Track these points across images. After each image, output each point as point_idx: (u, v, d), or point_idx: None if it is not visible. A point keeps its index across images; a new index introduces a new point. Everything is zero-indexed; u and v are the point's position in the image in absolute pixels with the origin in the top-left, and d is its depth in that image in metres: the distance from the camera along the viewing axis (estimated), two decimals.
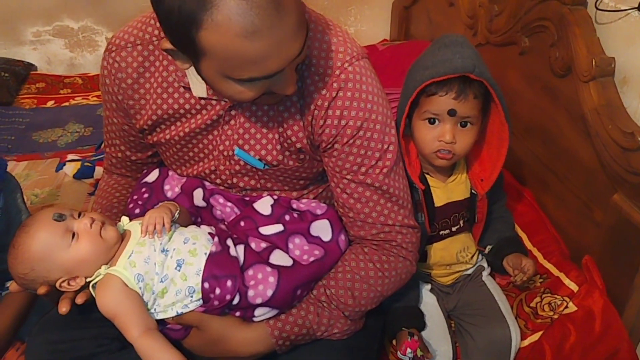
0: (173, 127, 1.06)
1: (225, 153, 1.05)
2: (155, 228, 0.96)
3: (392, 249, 1.04)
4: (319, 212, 1.07)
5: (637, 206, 1.18)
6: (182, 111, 1.03)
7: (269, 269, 0.97)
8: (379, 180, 1.00)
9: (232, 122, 1.02)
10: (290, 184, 1.09)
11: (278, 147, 1.02)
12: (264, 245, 1.01)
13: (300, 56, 0.83)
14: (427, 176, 1.22)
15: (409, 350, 1.11)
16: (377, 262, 1.03)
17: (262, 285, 0.96)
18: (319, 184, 1.12)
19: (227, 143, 1.04)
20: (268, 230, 1.03)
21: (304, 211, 1.07)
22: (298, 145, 1.01)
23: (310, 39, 0.94)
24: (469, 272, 1.31)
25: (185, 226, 1.03)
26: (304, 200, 1.10)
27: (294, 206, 1.08)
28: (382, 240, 1.03)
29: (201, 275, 0.95)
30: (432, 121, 1.13)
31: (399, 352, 1.13)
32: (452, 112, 1.10)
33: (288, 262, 0.99)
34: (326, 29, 0.97)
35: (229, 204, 1.10)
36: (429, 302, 1.25)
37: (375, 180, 1.00)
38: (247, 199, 1.10)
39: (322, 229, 1.05)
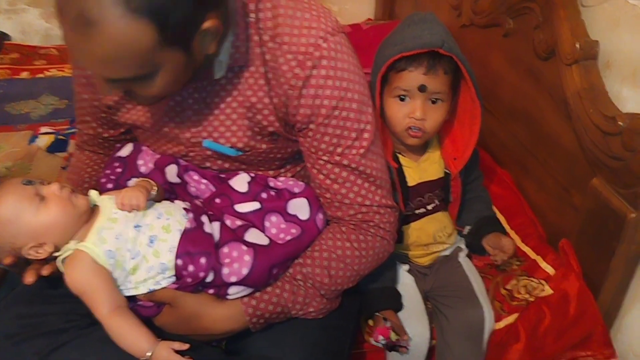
0: (139, 108, 1.03)
1: (193, 140, 1.02)
2: (131, 208, 0.93)
3: (370, 228, 1.03)
4: (296, 190, 1.05)
5: (615, 191, 1.18)
6: None
7: (244, 247, 0.95)
8: (355, 161, 0.98)
9: (196, 106, 0.99)
10: (266, 165, 1.06)
11: (249, 133, 0.99)
12: (239, 222, 0.99)
13: (123, 84, 0.84)
14: (399, 155, 1.21)
15: (380, 337, 1.11)
16: (355, 241, 1.01)
17: (237, 263, 0.94)
18: (296, 162, 1.09)
19: (193, 130, 1.01)
20: (244, 207, 1.01)
21: (281, 189, 1.05)
22: (270, 129, 0.98)
23: (281, 16, 0.91)
24: (446, 252, 1.31)
25: (159, 202, 1.00)
26: (281, 178, 1.08)
27: (271, 184, 1.06)
28: (360, 220, 1.02)
29: (174, 252, 0.92)
30: (402, 98, 1.12)
31: (371, 339, 1.12)
32: (422, 88, 1.09)
33: (264, 240, 0.97)
34: (298, 5, 0.93)
35: (204, 180, 1.07)
36: (406, 283, 1.24)
37: (352, 161, 0.98)
38: (223, 175, 1.07)
39: (299, 208, 1.03)
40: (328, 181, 1.00)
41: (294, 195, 1.04)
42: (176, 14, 0.76)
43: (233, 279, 0.94)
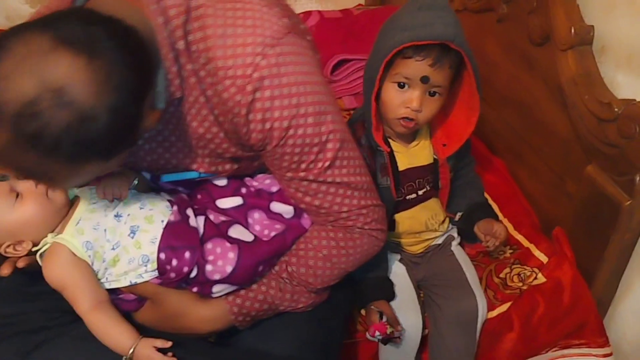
0: None
1: (150, 168, 0.96)
2: (112, 197, 0.90)
3: (356, 229, 0.98)
4: (274, 189, 1.01)
5: (610, 178, 1.16)
6: None
7: (228, 244, 0.91)
8: (322, 174, 0.91)
9: (147, 147, 0.93)
10: (237, 176, 1.02)
11: (207, 159, 0.94)
12: (222, 218, 0.96)
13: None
14: (389, 140, 1.18)
15: (377, 333, 1.09)
16: (341, 240, 0.97)
17: (221, 260, 0.90)
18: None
19: (148, 159, 0.94)
20: (226, 203, 0.97)
21: (258, 189, 1.01)
22: (227, 155, 0.93)
23: (211, 38, 0.81)
24: (438, 241, 1.29)
25: (143, 192, 0.97)
26: (259, 176, 1.03)
27: (247, 183, 1.02)
28: (342, 226, 0.97)
29: (157, 243, 0.89)
30: (401, 85, 1.09)
31: (367, 334, 1.11)
32: (424, 79, 1.06)
33: (249, 237, 0.94)
34: (229, 19, 0.81)
35: (180, 186, 1.03)
36: (398, 273, 1.23)
37: (318, 175, 0.90)
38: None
39: (283, 210, 0.99)
40: (299, 194, 0.94)
41: (273, 196, 1.00)
42: (120, 147, 0.75)
43: (217, 277, 0.90)
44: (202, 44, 0.81)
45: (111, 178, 0.92)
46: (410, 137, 1.21)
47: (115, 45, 0.69)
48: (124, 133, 0.73)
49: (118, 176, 0.93)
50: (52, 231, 0.89)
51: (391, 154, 1.16)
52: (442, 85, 1.08)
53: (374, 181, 1.10)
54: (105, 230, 0.89)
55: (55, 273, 0.87)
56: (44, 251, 0.89)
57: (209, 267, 0.90)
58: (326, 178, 0.91)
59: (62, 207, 0.90)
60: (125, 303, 0.94)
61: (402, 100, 1.09)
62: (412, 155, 1.20)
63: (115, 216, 0.90)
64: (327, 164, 0.90)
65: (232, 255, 0.91)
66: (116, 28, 0.71)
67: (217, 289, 0.93)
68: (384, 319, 1.11)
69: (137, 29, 0.74)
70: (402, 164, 1.19)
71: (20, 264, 0.88)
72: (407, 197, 1.22)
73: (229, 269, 0.90)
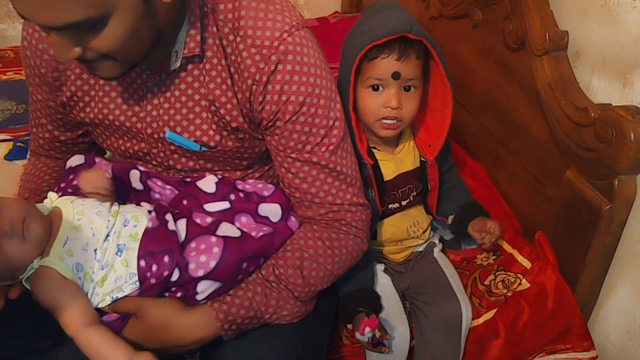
0: (93, 104, 0.99)
1: (155, 136, 0.98)
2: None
3: (342, 227, 1.00)
4: (265, 193, 1.01)
5: (589, 182, 1.17)
6: (101, 82, 0.97)
7: (214, 239, 0.91)
8: (325, 158, 0.95)
9: (156, 101, 0.96)
10: (232, 165, 1.03)
11: (213, 126, 0.96)
12: (209, 220, 0.95)
13: (75, 36, 0.76)
14: (374, 151, 1.18)
15: (367, 329, 1.06)
16: (327, 239, 0.99)
17: (204, 255, 0.90)
18: (264, 162, 1.06)
19: (154, 125, 0.97)
20: (213, 207, 0.97)
21: (250, 193, 1.01)
22: (234, 125, 0.95)
23: (244, 9, 0.90)
24: (420, 248, 1.29)
25: (124, 203, 0.96)
26: (250, 181, 1.04)
27: (239, 187, 1.02)
28: (331, 219, 0.99)
29: None
30: (375, 88, 1.10)
31: (357, 334, 1.09)
32: (396, 75, 1.07)
33: (236, 233, 0.94)
34: (260, 4, 0.90)
35: (168, 186, 1.03)
36: (384, 284, 1.22)
37: (321, 158, 0.95)
38: (188, 179, 1.03)
39: (271, 212, 1.00)
40: (297, 180, 0.97)
41: (264, 200, 1.00)
42: None
43: (200, 273, 0.89)
44: (231, 14, 0.90)
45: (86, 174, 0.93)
46: (393, 143, 1.20)
47: None
48: None
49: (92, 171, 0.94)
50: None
51: (375, 166, 1.16)
52: (414, 77, 1.09)
53: None
54: (95, 250, 0.87)
55: (46, 296, 0.85)
56: (30, 275, 0.86)
57: (192, 265, 0.89)
58: (328, 163, 0.96)
59: (42, 240, 0.86)
60: (109, 324, 0.92)
61: (380, 102, 1.10)
62: (399, 162, 1.20)
63: (106, 236, 0.89)
64: (331, 148, 0.95)
65: (216, 250, 0.90)
66: None
67: (202, 288, 0.91)
68: (374, 316, 1.09)
69: None
70: (390, 173, 1.19)
71: (12, 295, 0.86)
72: (389, 206, 1.21)
73: (212, 263, 0.89)
